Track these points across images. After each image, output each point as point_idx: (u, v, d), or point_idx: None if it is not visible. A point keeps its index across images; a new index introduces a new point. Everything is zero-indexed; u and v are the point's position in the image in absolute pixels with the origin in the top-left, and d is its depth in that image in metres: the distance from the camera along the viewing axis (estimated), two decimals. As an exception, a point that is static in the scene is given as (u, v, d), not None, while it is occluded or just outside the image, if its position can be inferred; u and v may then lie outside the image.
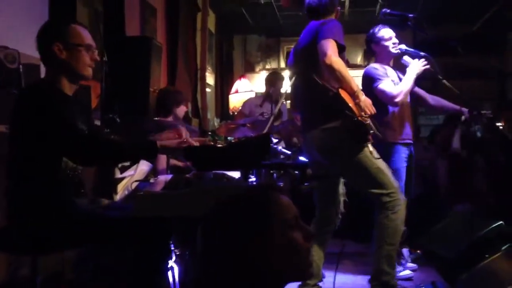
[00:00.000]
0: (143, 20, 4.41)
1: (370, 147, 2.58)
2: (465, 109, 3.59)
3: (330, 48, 2.48)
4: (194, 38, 5.91)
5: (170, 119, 3.25)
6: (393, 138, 3.33)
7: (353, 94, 2.55)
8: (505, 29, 7.60)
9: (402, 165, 3.34)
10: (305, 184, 2.32)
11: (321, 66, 2.51)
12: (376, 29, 3.40)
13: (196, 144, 1.82)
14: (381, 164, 2.66)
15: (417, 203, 4.59)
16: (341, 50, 2.58)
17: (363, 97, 2.59)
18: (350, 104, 2.52)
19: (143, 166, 2.36)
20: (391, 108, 3.31)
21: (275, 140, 4.35)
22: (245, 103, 5.05)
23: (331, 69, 2.46)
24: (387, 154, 3.33)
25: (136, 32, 4.22)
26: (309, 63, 2.66)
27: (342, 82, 2.52)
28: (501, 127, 5.22)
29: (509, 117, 5.71)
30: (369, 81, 3.29)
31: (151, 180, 2.10)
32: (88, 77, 1.99)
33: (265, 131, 2.12)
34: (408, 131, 3.40)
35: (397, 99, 3.14)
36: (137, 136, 2.82)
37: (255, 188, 1.15)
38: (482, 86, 7.51)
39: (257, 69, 9.02)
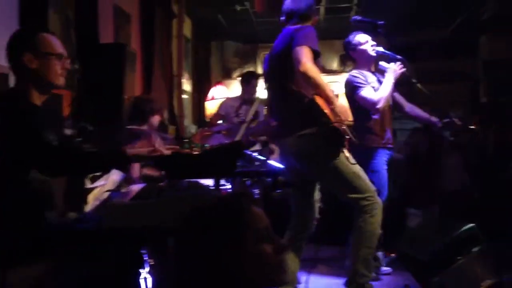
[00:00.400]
0: (117, 27, 4.37)
1: (346, 153, 2.61)
2: (436, 120, 3.66)
3: (305, 55, 2.49)
4: (170, 45, 5.89)
5: (144, 127, 3.22)
6: (375, 143, 3.39)
7: (328, 100, 2.57)
8: (478, 33, 7.78)
9: (383, 167, 3.40)
10: (277, 191, 2.33)
11: (296, 73, 2.53)
12: (351, 37, 3.46)
13: (168, 152, 1.82)
14: (357, 168, 2.69)
15: (391, 206, 4.66)
16: (316, 56, 2.60)
17: (338, 103, 2.62)
18: (326, 110, 2.54)
19: (114, 176, 2.33)
20: (372, 114, 3.36)
21: (255, 148, 4.36)
22: (222, 105, 5.02)
23: (306, 76, 2.48)
24: (368, 158, 3.38)
25: (110, 39, 4.18)
26: (283, 70, 2.67)
27: (317, 88, 2.54)
28: (473, 129, 5.34)
29: (481, 120, 5.84)
30: (351, 89, 3.34)
31: (123, 190, 2.09)
32: (60, 86, 1.98)
33: (238, 138, 2.11)
34: (388, 135, 3.46)
35: (378, 106, 3.20)
36: (110, 145, 2.80)
37: (229, 197, 1.16)
38: (454, 90, 7.65)
39: (234, 75, 9.03)
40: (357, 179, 2.65)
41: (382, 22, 3.35)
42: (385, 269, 3.67)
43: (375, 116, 3.32)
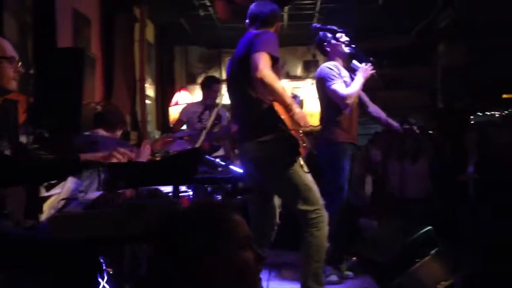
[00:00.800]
0: (76, 31, 4.29)
1: (301, 161, 2.62)
2: (396, 125, 3.74)
3: (262, 61, 2.48)
4: (132, 49, 5.81)
5: (101, 133, 3.14)
6: (342, 137, 3.44)
7: (286, 107, 2.58)
8: (436, 41, 8.02)
9: (347, 164, 3.45)
10: (238, 197, 2.32)
11: (254, 79, 2.53)
12: (325, 32, 3.53)
13: (123, 159, 1.79)
14: (309, 179, 2.68)
15: (353, 210, 4.73)
16: (275, 62, 2.61)
17: (297, 110, 2.63)
18: (283, 117, 2.55)
19: (70, 184, 2.28)
20: (342, 108, 3.42)
21: (219, 153, 4.33)
22: (183, 110, 4.98)
23: (263, 83, 2.48)
24: (334, 153, 3.44)
25: (68, 43, 4.09)
26: (243, 75, 2.65)
27: (275, 95, 2.54)
28: (432, 134, 5.49)
29: (440, 125, 6.02)
30: (323, 81, 3.41)
31: (80, 198, 2.04)
32: (12, 91, 1.92)
33: (199, 144, 2.10)
34: (355, 132, 3.52)
35: (348, 101, 3.27)
36: (67, 152, 2.73)
37: (208, 206, 1.10)
38: (414, 96, 7.86)
39: (199, 80, 8.99)
40: (309, 190, 2.65)
41: (341, 29, 3.42)
42: (347, 273, 3.71)
43: (346, 111, 3.39)
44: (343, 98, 3.28)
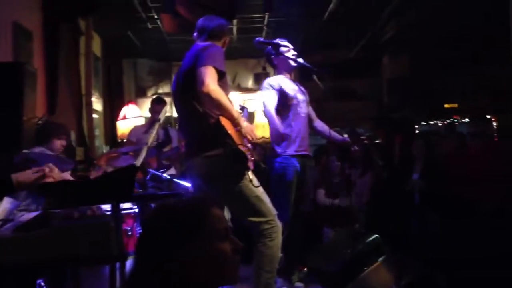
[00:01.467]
0: (17, 45, 4.13)
1: (250, 175, 2.61)
2: (341, 138, 3.81)
3: (208, 75, 2.46)
4: (77, 63, 5.66)
5: (47, 151, 3.04)
6: (290, 150, 3.47)
7: (233, 122, 2.57)
8: (380, 53, 8.31)
9: (294, 178, 3.47)
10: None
11: (199, 93, 2.50)
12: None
13: (54, 179, 1.71)
14: (260, 191, 2.68)
15: (306, 221, 4.78)
16: (221, 76, 2.60)
17: (244, 124, 2.62)
18: (230, 132, 2.53)
19: (7, 204, 2.18)
20: (290, 121, 3.46)
21: (171, 172, 4.27)
22: (132, 131, 4.93)
23: (209, 97, 2.46)
24: (281, 166, 3.46)
25: (8, 57, 3.94)
26: (189, 89, 2.60)
27: (221, 110, 2.52)
28: (380, 143, 5.65)
29: (386, 134, 6.20)
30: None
31: (16, 219, 1.95)
32: None
33: (138, 161, 2.05)
34: (305, 144, 3.55)
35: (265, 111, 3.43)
36: (6, 170, 2.61)
37: (189, 199, 1.18)
38: (362, 107, 8.08)
39: (149, 94, 8.87)
40: (260, 202, 2.64)
41: (284, 42, 3.48)
42: (298, 284, 3.72)
43: (292, 122, 3.45)
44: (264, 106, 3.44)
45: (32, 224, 1.70)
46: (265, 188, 2.78)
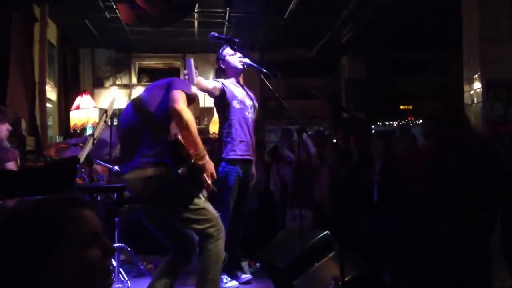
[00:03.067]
0: (-36, 29, 3.98)
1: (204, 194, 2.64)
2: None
3: (181, 97, 2.55)
4: (31, 50, 5.49)
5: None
6: (231, 154, 3.49)
7: (196, 148, 2.55)
8: (339, 54, 8.45)
9: (235, 182, 3.52)
10: (124, 206, 2.25)
11: (170, 110, 2.52)
12: (221, 49, 3.60)
13: None
14: (203, 201, 2.69)
15: (255, 216, 4.83)
16: (190, 101, 2.65)
17: (207, 159, 2.61)
18: (188, 151, 2.54)
19: None
20: (235, 125, 3.48)
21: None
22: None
23: (179, 116, 2.50)
24: (222, 171, 3.48)
25: (-45, 42, 3.79)
26: (145, 114, 2.61)
27: (188, 131, 2.53)
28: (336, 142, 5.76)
29: (343, 133, 6.32)
30: None
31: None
32: None
33: (83, 153, 2.01)
34: (249, 148, 3.58)
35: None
36: None
37: (44, 203, 0.98)
38: (319, 106, 8.20)
39: (107, 85, 8.70)
40: (206, 211, 2.64)
41: (238, 40, 3.49)
42: (245, 276, 3.77)
43: (234, 127, 3.47)
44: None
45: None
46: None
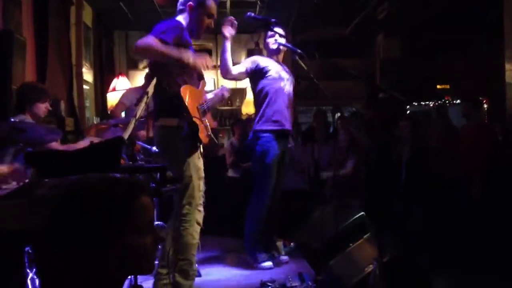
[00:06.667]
0: (6, 14, 4.05)
1: (201, 149, 2.67)
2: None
3: (144, 39, 2.56)
4: (68, 33, 5.59)
5: (27, 117, 2.98)
6: (268, 125, 3.51)
7: (179, 60, 2.57)
8: (374, 33, 8.26)
9: (273, 157, 3.51)
10: (167, 186, 2.29)
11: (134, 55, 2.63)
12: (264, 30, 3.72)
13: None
14: (201, 175, 2.70)
15: (296, 197, 4.84)
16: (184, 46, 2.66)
17: (191, 57, 2.60)
18: (189, 106, 2.57)
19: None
20: (269, 95, 3.50)
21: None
22: (126, 94, 4.85)
23: (140, 52, 2.59)
24: (260, 144, 3.50)
25: (-3, 26, 3.88)
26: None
27: (155, 54, 2.56)
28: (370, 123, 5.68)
29: (377, 114, 6.22)
30: None
31: (4, 187, 1.96)
32: None
33: (126, 133, 2.05)
34: (285, 122, 3.59)
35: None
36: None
37: (113, 183, 0.99)
38: (354, 86, 8.06)
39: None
40: (196, 187, 2.63)
41: (274, 20, 3.49)
42: (283, 257, 3.80)
43: (270, 99, 3.49)
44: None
45: (19, 192, 1.70)
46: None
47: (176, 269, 2.67)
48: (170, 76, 2.62)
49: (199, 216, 2.69)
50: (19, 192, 1.68)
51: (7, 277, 1.73)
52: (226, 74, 3.48)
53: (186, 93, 2.58)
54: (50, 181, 1.83)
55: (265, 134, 3.54)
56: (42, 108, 3.01)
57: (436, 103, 8.70)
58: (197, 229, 2.68)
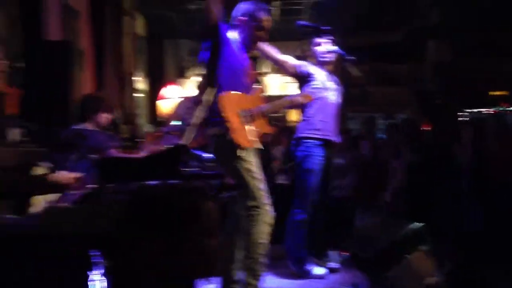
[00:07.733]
0: (65, 24, 4.23)
1: (244, 155, 2.63)
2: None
3: None
4: (121, 42, 5.77)
5: (89, 126, 3.09)
6: (311, 134, 3.47)
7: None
8: (425, 38, 8.07)
9: (317, 164, 3.47)
10: (225, 193, 2.30)
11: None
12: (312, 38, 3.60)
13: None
14: (258, 175, 2.65)
15: (347, 205, 4.75)
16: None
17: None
18: (228, 112, 2.57)
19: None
20: (314, 104, 3.45)
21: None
22: (181, 103, 4.94)
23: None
24: (303, 151, 3.46)
25: (57, 36, 4.05)
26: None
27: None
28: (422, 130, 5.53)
29: (431, 120, 6.05)
30: None
31: (71, 192, 2.02)
32: None
33: (184, 140, 2.08)
34: (330, 129, 3.54)
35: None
36: (55, 146, 2.71)
37: (190, 192, 1.05)
38: (403, 92, 7.89)
39: (189, 74, 8.95)
40: (251, 182, 2.56)
41: (325, 27, 3.45)
42: (332, 264, 3.73)
43: (316, 107, 3.44)
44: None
45: (86, 197, 1.75)
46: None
47: (244, 268, 2.68)
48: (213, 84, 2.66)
49: (267, 217, 2.68)
50: (86, 197, 1.73)
51: (75, 280, 1.78)
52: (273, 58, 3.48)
53: (226, 100, 2.60)
54: (113, 186, 1.88)
55: (307, 141, 3.51)
56: (105, 118, 3.13)
57: (489, 110, 8.38)
58: (264, 229, 2.67)
